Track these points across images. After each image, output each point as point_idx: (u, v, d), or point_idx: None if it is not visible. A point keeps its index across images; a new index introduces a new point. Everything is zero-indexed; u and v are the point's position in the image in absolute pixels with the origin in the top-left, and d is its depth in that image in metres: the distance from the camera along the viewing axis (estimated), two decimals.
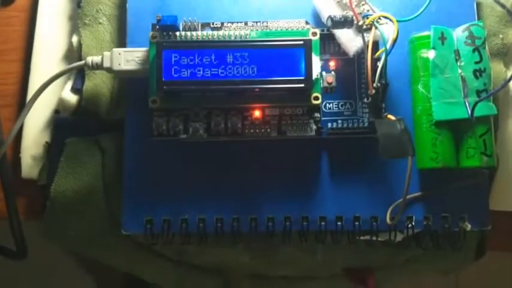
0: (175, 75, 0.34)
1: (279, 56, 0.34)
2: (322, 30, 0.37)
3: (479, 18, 0.39)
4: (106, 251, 0.41)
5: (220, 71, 0.34)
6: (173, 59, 0.34)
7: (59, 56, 0.41)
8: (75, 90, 0.39)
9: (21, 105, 0.42)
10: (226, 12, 0.38)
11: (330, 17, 0.34)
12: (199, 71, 0.34)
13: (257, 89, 0.34)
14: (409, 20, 0.35)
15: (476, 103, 0.33)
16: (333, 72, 0.37)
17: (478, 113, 0.34)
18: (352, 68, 0.37)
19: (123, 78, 0.39)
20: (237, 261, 0.41)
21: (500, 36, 0.39)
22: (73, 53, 0.41)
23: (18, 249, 0.39)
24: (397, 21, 0.34)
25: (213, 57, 0.34)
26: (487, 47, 0.36)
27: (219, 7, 0.39)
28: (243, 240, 0.38)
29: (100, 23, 0.40)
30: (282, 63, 0.34)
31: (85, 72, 0.39)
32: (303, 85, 0.34)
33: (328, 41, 0.37)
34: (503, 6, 0.30)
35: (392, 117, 0.34)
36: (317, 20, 0.38)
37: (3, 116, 0.41)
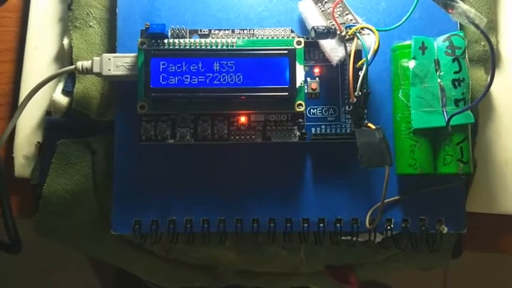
0: (163, 83, 0.35)
1: (264, 65, 0.35)
2: (307, 38, 0.37)
3: (461, 26, 0.40)
4: (96, 248, 0.42)
5: (207, 78, 0.35)
6: (161, 67, 0.35)
7: (50, 57, 0.42)
8: (66, 92, 0.40)
9: (14, 104, 0.43)
10: (214, 17, 0.39)
11: (313, 28, 0.35)
12: (186, 78, 0.35)
13: (243, 97, 0.35)
14: (390, 29, 0.36)
15: (451, 116, 0.34)
16: (317, 79, 0.38)
17: (455, 121, 0.35)
18: (335, 75, 0.38)
19: (113, 81, 0.39)
20: (224, 258, 0.43)
21: (482, 43, 0.40)
22: (64, 55, 0.42)
23: (12, 242, 0.41)
24: (380, 30, 0.35)
25: (200, 65, 0.35)
26: (467, 57, 0.36)
27: (208, 12, 0.39)
28: (230, 239, 0.39)
29: (90, 26, 0.41)
30: (267, 72, 0.35)
31: (76, 75, 0.40)
32: (287, 93, 0.35)
33: (313, 48, 0.38)
34: (472, 23, 0.31)
35: (372, 126, 0.35)
36: (303, 26, 0.39)
37: None
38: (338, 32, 0.36)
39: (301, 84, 0.36)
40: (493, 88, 0.42)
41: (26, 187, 0.41)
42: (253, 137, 0.37)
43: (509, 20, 0.42)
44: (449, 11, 0.31)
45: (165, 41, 0.36)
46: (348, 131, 0.38)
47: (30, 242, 0.41)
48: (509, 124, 0.41)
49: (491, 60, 0.33)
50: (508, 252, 0.42)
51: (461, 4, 0.30)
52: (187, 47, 0.36)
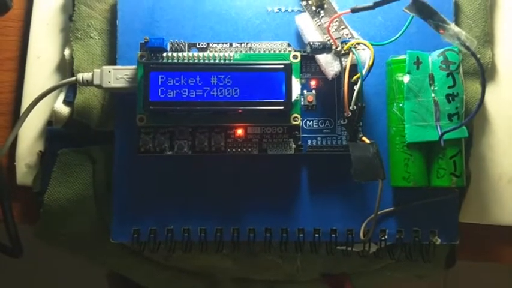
0: (162, 96, 0.36)
1: (260, 79, 0.36)
2: (304, 52, 0.38)
3: None
4: (96, 254, 0.43)
5: (204, 92, 0.36)
6: (160, 80, 0.36)
7: (52, 67, 0.43)
8: (67, 102, 0.41)
9: (16, 113, 0.43)
10: (213, 30, 0.40)
11: (309, 43, 0.35)
12: (184, 92, 0.36)
13: (240, 110, 0.36)
14: (386, 43, 0.37)
15: (443, 133, 0.35)
16: (313, 91, 0.39)
17: (449, 136, 0.36)
18: (332, 87, 0.39)
19: (113, 92, 0.40)
20: (221, 266, 0.43)
21: (478, 56, 0.41)
22: (65, 65, 0.42)
23: (13, 247, 0.41)
24: (375, 45, 0.36)
25: (198, 79, 0.36)
26: (461, 72, 0.37)
27: (207, 24, 0.40)
28: (227, 247, 0.40)
29: (91, 37, 0.41)
30: (263, 86, 0.36)
31: (76, 86, 0.40)
32: (282, 107, 0.36)
33: (310, 61, 0.39)
34: (463, 45, 0.31)
35: (366, 140, 0.36)
36: (301, 39, 0.39)
37: None
38: (333, 47, 0.36)
39: (297, 97, 0.37)
40: (488, 101, 0.42)
41: (28, 194, 0.42)
42: (250, 149, 0.38)
43: (506, 33, 0.43)
44: (441, 32, 0.31)
45: (164, 54, 0.37)
46: (343, 143, 0.38)
47: (34, 245, 0.42)
48: (504, 138, 0.41)
49: (481, 79, 0.33)
50: (500, 261, 0.43)
51: (452, 26, 0.31)
52: (186, 61, 0.37)
